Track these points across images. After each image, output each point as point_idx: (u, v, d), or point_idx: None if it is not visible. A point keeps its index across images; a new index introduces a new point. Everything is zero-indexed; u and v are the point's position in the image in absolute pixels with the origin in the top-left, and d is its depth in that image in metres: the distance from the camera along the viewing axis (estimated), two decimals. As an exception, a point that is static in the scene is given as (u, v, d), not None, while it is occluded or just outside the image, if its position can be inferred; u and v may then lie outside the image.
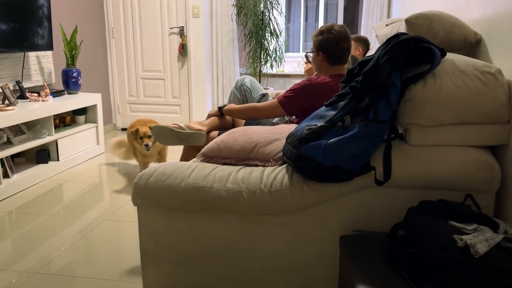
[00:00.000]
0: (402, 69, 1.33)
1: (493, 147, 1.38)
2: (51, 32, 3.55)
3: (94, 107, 3.90)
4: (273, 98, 2.67)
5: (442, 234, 1.08)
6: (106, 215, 2.61)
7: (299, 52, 5.81)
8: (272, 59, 4.84)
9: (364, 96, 1.34)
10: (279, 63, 4.89)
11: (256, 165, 1.62)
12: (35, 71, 3.65)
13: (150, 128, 2.85)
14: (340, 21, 5.17)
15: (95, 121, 3.94)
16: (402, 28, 1.78)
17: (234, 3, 4.75)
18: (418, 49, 1.34)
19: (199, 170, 1.59)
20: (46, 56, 3.77)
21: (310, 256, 1.46)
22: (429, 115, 1.32)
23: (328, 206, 1.42)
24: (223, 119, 2.44)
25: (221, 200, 1.48)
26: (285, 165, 1.54)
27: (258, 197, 1.45)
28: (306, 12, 11.17)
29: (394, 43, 1.33)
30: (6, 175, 2.95)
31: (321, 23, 10.98)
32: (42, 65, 3.73)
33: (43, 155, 3.34)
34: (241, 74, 5.10)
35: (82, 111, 3.84)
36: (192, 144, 2.17)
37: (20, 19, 3.22)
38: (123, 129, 5.06)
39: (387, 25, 2.53)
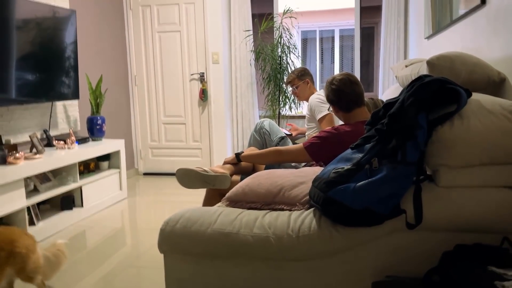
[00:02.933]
0: (428, 110, 1.33)
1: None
2: (77, 82, 3.69)
3: (117, 153, 3.97)
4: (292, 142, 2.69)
5: (483, 281, 1.04)
6: (129, 261, 2.60)
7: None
8: (291, 101, 4.90)
9: (390, 138, 1.33)
10: (298, 104, 4.94)
11: (282, 209, 1.61)
12: (62, 120, 3.77)
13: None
14: (357, 62, 5.24)
15: (118, 167, 4.00)
16: (423, 69, 1.80)
17: (253, 49, 4.88)
18: (443, 90, 1.34)
19: (225, 215, 1.58)
20: (72, 105, 3.91)
21: (341, 303, 1.41)
22: (458, 155, 1.30)
23: (358, 251, 1.38)
24: (241, 164, 2.43)
25: (248, 246, 1.47)
26: (312, 209, 1.52)
27: (286, 242, 1.43)
28: (322, 54, 11.40)
29: (418, 85, 1.33)
30: (32, 223, 2.98)
31: (336, 65, 11.19)
32: (68, 113, 3.85)
33: (68, 201, 3.38)
34: (260, 117, 5.16)
35: (106, 157, 3.91)
36: (217, 187, 2.17)
37: (48, 70, 3.36)
38: (145, 174, 5.11)
39: (406, 66, 2.56)
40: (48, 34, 3.35)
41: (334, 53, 11.00)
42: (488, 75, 1.64)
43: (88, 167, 3.75)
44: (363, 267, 1.38)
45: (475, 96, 1.40)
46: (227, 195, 1.79)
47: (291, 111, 5.00)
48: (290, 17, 4.75)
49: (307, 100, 3.39)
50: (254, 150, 2.68)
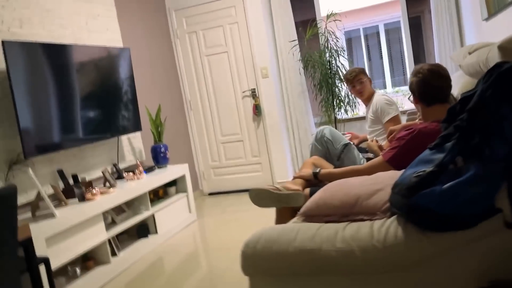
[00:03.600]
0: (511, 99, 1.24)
1: None
2: (138, 114, 3.85)
3: (183, 177, 4.08)
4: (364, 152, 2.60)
5: None
6: (210, 283, 2.63)
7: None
8: (346, 104, 4.80)
9: (473, 134, 1.25)
10: (353, 107, 4.84)
11: (362, 220, 1.55)
12: (128, 152, 3.94)
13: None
14: (409, 54, 5.05)
15: (185, 190, 4.10)
16: (493, 55, 1.69)
17: (300, 58, 4.86)
18: (526, 76, 1.24)
19: (304, 232, 1.56)
20: (136, 137, 4.08)
21: (441, 314, 1.33)
22: (554, 144, 1.20)
23: (452, 257, 1.30)
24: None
25: (332, 262, 1.43)
26: (394, 216, 1.46)
27: (372, 254, 1.38)
28: (368, 51, 11.15)
29: (497, 74, 1.25)
30: (113, 253, 3.12)
31: (385, 60, 10.87)
32: (133, 145, 4.02)
33: (143, 229, 3.51)
34: (316, 124, 5.11)
35: (172, 182, 4.03)
36: (291, 205, 2.15)
37: (109, 107, 3.53)
38: (210, 194, 5.21)
39: (469, 53, 2.42)
40: (106, 73, 3.53)
41: (381, 49, 10.74)
42: None
43: (158, 195, 3.88)
44: (461, 274, 1.29)
45: (562, 76, 1.28)
46: (301, 210, 1.76)
47: (347, 114, 4.90)
48: (334, 20, 4.69)
49: (368, 99, 3.31)
50: (318, 160, 2.64)
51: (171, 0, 4.99)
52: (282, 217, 2.31)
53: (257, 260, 1.55)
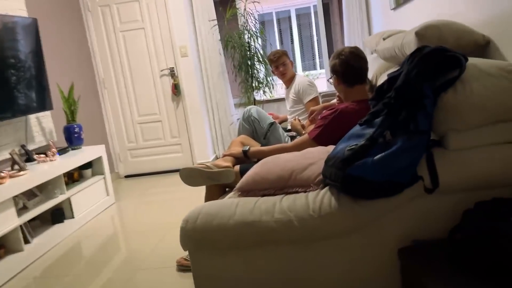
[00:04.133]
0: (432, 80, 1.39)
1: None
2: (48, 92, 3.56)
3: (99, 159, 3.89)
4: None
5: (509, 231, 1.11)
6: (137, 264, 2.58)
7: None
8: (264, 85, 4.92)
9: (399, 111, 1.39)
10: (271, 88, 4.97)
11: (297, 192, 1.64)
12: (37, 132, 3.64)
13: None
14: (323, 38, 5.30)
15: (101, 173, 3.92)
16: (409, 40, 1.85)
17: (220, 38, 4.85)
18: (444, 59, 1.40)
19: (243, 206, 1.60)
20: (45, 116, 3.78)
21: (370, 274, 1.47)
22: (465, 119, 1.38)
23: (381, 222, 1.44)
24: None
25: (272, 232, 1.50)
26: (327, 188, 1.56)
27: (309, 223, 1.47)
28: (280, 35, 11.43)
29: (421, 56, 1.39)
30: (26, 241, 2.90)
31: (296, 44, 11.26)
32: (42, 125, 3.72)
33: (58, 214, 3.30)
34: (235, 105, 5.17)
35: (88, 164, 3.82)
36: (222, 182, 2.18)
37: (16, 84, 3.22)
38: (127, 176, 5.03)
39: (384, 38, 2.63)
40: (6, 45, 3.20)
41: (292, 33, 11.08)
42: (474, 39, 1.72)
43: (72, 177, 3.66)
44: (388, 237, 1.44)
45: (471, 60, 1.47)
46: (238, 185, 1.80)
47: (265, 95, 5.03)
48: (253, 1, 4.74)
49: (290, 81, 3.43)
50: (246, 138, 2.70)
51: (81, -30, 4.64)
52: (212, 195, 2.34)
53: (196, 235, 1.56)
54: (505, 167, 1.36)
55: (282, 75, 3.43)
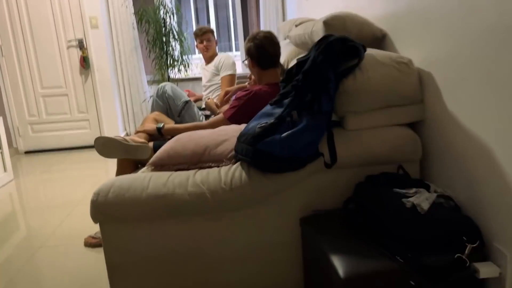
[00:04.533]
0: (335, 66, 1.53)
1: (413, 123, 1.65)
2: None
3: (-5, 132, 3.60)
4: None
5: (392, 200, 1.30)
6: (39, 242, 2.48)
7: (195, 54, 5.88)
8: (179, 63, 4.88)
9: (306, 93, 1.51)
10: (187, 67, 4.94)
11: (210, 167, 1.72)
12: None
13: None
14: (239, 20, 5.36)
15: (-2, 147, 3.63)
16: (318, 28, 2.00)
17: (134, 12, 4.68)
18: (346, 47, 1.55)
19: (156, 179, 1.63)
20: None
21: (275, 241, 1.60)
22: (362, 102, 1.55)
23: (286, 194, 1.57)
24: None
25: (186, 204, 1.56)
26: (238, 163, 1.65)
27: (221, 195, 1.55)
28: (197, 14, 11.28)
29: (326, 44, 1.52)
30: None
31: (213, 24, 11.22)
32: None
33: None
34: (148, 82, 5.06)
35: (-18, 138, 3.52)
36: (138, 157, 2.16)
37: None
38: (27, 152, 4.70)
39: (296, 25, 2.77)
40: None
41: (209, 13, 10.99)
42: (373, 31, 1.91)
43: (-37, 152, 3.35)
44: (292, 207, 1.58)
45: (369, 51, 1.64)
46: (151, 160, 1.82)
47: (180, 73, 4.99)
48: (170, -23, 4.64)
49: (211, 58, 3.49)
50: (159, 115, 2.70)
51: None
52: (124, 170, 2.31)
53: (108, 208, 1.57)
54: (393, 146, 1.56)
55: (205, 50, 3.48)
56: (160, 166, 1.79)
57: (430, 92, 1.55)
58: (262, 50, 2.23)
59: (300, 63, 1.60)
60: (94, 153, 2.94)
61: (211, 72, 3.44)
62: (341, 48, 1.54)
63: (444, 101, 1.46)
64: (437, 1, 1.45)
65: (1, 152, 3.64)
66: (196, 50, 3.71)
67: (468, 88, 1.31)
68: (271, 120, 1.53)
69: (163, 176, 1.65)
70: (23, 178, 3.79)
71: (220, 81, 3.39)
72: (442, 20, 1.43)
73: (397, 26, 1.80)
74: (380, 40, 1.95)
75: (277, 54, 2.30)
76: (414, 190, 1.33)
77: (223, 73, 3.35)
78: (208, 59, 3.53)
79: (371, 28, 1.91)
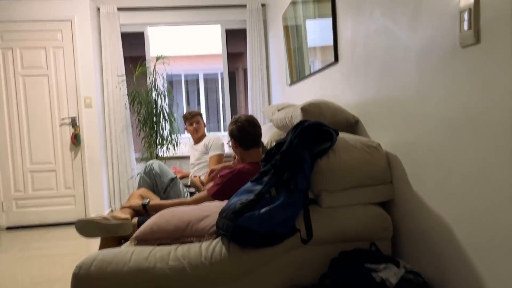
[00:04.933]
0: (310, 148, 1.68)
1: (384, 202, 1.76)
2: None
3: (-20, 206, 3.60)
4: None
5: (363, 274, 1.37)
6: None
7: (184, 133, 6.11)
8: (168, 142, 5.04)
9: (283, 171, 1.63)
10: (175, 146, 5.10)
11: (192, 241, 1.77)
12: None
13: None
14: (227, 103, 5.66)
15: (-20, 222, 3.61)
16: (297, 114, 2.18)
17: (127, 93, 4.94)
18: (320, 132, 1.70)
19: (138, 253, 1.68)
20: None
21: (253, 318, 1.62)
22: (335, 182, 1.67)
23: (264, 269, 1.62)
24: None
25: (166, 279, 1.59)
26: (219, 238, 1.72)
27: (201, 270, 1.60)
28: (188, 96, 11.79)
29: (301, 129, 1.68)
30: None
31: (202, 106, 11.66)
32: None
33: None
34: (136, 159, 5.18)
35: (-34, 212, 3.51)
36: (119, 234, 2.20)
37: None
38: (8, 228, 4.64)
39: (278, 110, 2.98)
40: None
41: (200, 95, 11.52)
42: (346, 117, 2.09)
43: None
44: (270, 282, 1.62)
45: (341, 135, 1.80)
46: (135, 234, 1.87)
47: (168, 152, 5.13)
48: (163, 63, 4.98)
49: (200, 139, 3.67)
50: (145, 191, 2.78)
51: (-15, 10, 4.51)
52: (107, 245, 2.33)
53: (89, 281, 1.59)
54: (365, 224, 1.65)
55: (194, 131, 3.68)
56: (143, 241, 1.84)
57: (398, 173, 1.68)
58: (244, 131, 2.39)
59: (279, 144, 1.74)
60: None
61: (200, 151, 3.60)
62: (316, 132, 1.69)
63: (410, 182, 1.58)
64: (396, 92, 1.64)
65: (-17, 227, 3.61)
66: (185, 130, 3.92)
67: (428, 171, 1.45)
68: (250, 196, 1.63)
69: (145, 250, 1.70)
70: (2, 254, 3.72)
71: (208, 160, 3.53)
72: (402, 109, 1.60)
73: (367, 112, 1.98)
74: (353, 125, 2.13)
75: (258, 134, 2.46)
76: (383, 265, 1.41)
77: (212, 153, 3.50)
78: (197, 140, 3.71)
79: (345, 114, 2.09)
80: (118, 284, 1.58)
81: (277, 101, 4.81)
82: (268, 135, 3.05)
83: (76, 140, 4.65)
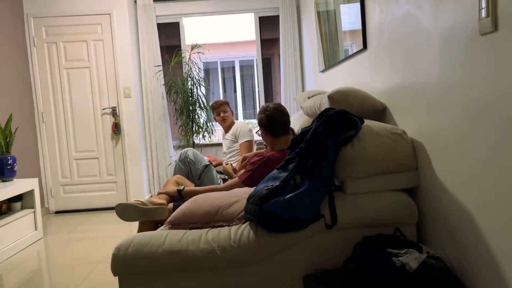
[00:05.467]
0: (334, 135, 1.71)
1: (409, 188, 1.78)
2: (-16, 122, 3.57)
3: (30, 192, 3.86)
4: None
5: (384, 259, 1.40)
6: (62, 298, 2.60)
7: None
8: (204, 130, 5.17)
9: (308, 159, 1.68)
10: (211, 133, 5.23)
11: (222, 226, 1.86)
12: (-33, 162, 3.59)
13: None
14: (261, 90, 5.71)
15: (31, 207, 3.88)
16: (325, 101, 2.20)
17: (164, 83, 5.09)
18: (344, 120, 1.73)
19: (171, 236, 1.79)
20: (-22, 146, 3.73)
21: (279, 298, 1.70)
22: (359, 169, 1.70)
23: (289, 253, 1.69)
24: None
25: (197, 260, 1.69)
26: (248, 222, 1.80)
27: (230, 252, 1.69)
28: (224, 83, 11.91)
29: (326, 116, 1.71)
30: None
31: (239, 93, 11.75)
32: (-26, 154, 3.67)
33: (-18, 246, 3.23)
34: (174, 147, 5.35)
35: (18, 197, 3.78)
36: (156, 218, 2.33)
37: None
38: (57, 212, 4.95)
39: (309, 97, 3.00)
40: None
41: (236, 82, 11.62)
42: (373, 105, 2.10)
43: (0, 210, 3.60)
44: (295, 265, 1.69)
45: (367, 122, 1.82)
46: (169, 219, 1.99)
47: (204, 139, 5.27)
48: (198, 52, 5.08)
49: (229, 127, 3.76)
50: (181, 178, 2.89)
51: (30, 6, 4.76)
52: (145, 229, 2.47)
53: (127, 261, 1.72)
54: (389, 210, 1.68)
55: (222, 121, 3.77)
56: (176, 225, 1.95)
57: (423, 160, 1.69)
58: (273, 120, 2.44)
59: (304, 132, 1.79)
60: (117, 215, 3.15)
61: (230, 140, 3.69)
62: (340, 120, 1.73)
63: (434, 169, 1.59)
64: (420, 79, 1.64)
65: (34, 212, 3.88)
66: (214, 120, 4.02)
67: (450, 158, 1.45)
68: (276, 183, 1.70)
69: (179, 234, 1.81)
70: (51, 237, 3.99)
71: (239, 148, 3.62)
72: (425, 96, 1.61)
73: (394, 100, 1.99)
74: (381, 112, 2.13)
75: (287, 122, 2.51)
76: (405, 250, 1.44)
77: (241, 140, 3.59)
78: (227, 128, 3.80)
79: (372, 102, 2.10)
80: (153, 264, 1.70)
81: (310, 88, 4.82)
82: (299, 123, 3.08)
83: (116, 129, 4.86)
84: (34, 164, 4.75)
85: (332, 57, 3.38)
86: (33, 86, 4.81)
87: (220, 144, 5.38)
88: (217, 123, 4.08)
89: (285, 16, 5.14)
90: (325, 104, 2.18)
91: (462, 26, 1.30)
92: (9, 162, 3.75)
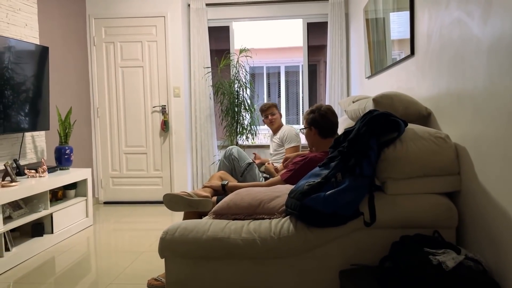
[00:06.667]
0: (377, 136, 1.75)
1: (450, 192, 1.79)
2: (48, 114, 3.85)
3: (84, 181, 4.12)
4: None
5: (421, 256, 1.43)
6: (108, 280, 2.77)
7: (263, 125, 6.32)
8: (247, 132, 5.29)
9: (350, 158, 1.73)
10: (254, 135, 5.34)
11: (263, 218, 1.95)
12: (30, 149, 3.88)
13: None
14: (306, 95, 5.76)
15: (84, 195, 4.13)
16: (369, 105, 2.24)
17: (212, 84, 5.27)
18: (388, 122, 1.77)
19: (216, 224, 1.89)
20: (40, 135, 4.03)
21: (315, 291, 1.76)
22: (400, 170, 1.73)
23: (327, 247, 1.75)
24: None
25: (238, 248, 1.78)
26: (288, 216, 1.87)
27: (269, 243, 1.77)
28: (269, 88, 12.03)
29: (369, 118, 1.76)
30: (7, 248, 3.07)
31: (283, 98, 11.83)
32: (36, 143, 3.97)
33: (39, 228, 3.48)
34: (218, 146, 5.50)
35: (73, 185, 4.04)
36: (200, 209, 2.45)
37: (22, 104, 3.51)
38: (105, 203, 5.22)
39: (353, 101, 3.04)
40: (18, 69, 3.53)
41: (280, 88, 11.73)
42: (418, 110, 2.12)
43: (56, 195, 3.86)
44: (332, 260, 1.74)
45: (410, 126, 1.85)
46: (213, 209, 2.09)
47: (247, 140, 5.39)
48: (246, 56, 5.21)
49: (277, 129, 3.86)
50: (225, 174, 3.01)
51: (92, 8, 5.08)
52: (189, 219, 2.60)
53: (173, 245, 1.84)
54: (429, 213, 1.70)
55: (270, 123, 3.89)
56: (220, 215, 2.06)
57: (465, 165, 1.70)
58: (326, 119, 2.50)
59: (347, 132, 1.84)
60: (162, 208, 3.29)
61: (276, 143, 3.79)
62: (383, 121, 1.77)
63: (476, 174, 1.60)
64: (467, 85, 1.65)
65: (86, 200, 4.13)
66: (259, 121, 4.12)
67: (493, 164, 1.46)
68: (318, 179, 1.76)
69: (222, 223, 1.91)
70: (99, 225, 4.23)
71: (284, 152, 3.70)
72: (471, 102, 1.62)
73: (439, 105, 2.00)
74: (425, 117, 2.15)
75: (337, 123, 2.57)
76: (443, 250, 1.46)
77: (288, 145, 3.68)
78: (275, 130, 3.91)
79: (417, 107, 2.12)
80: (197, 249, 1.81)
81: (355, 94, 4.82)
82: (343, 127, 3.12)
83: (165, 126, 5.08)
84: (87, 156, 5.04)
85: (379, 64, 3.40)
86: (90, 83, 5.12)
87: (263, 146, 5.48)
88: (262, 126, 4.19)
89: (334, 23, 5.18)
90: (370, 107, 2.22)
91: (511, 32, 1.31)
92: (66, 152, 4.02)
